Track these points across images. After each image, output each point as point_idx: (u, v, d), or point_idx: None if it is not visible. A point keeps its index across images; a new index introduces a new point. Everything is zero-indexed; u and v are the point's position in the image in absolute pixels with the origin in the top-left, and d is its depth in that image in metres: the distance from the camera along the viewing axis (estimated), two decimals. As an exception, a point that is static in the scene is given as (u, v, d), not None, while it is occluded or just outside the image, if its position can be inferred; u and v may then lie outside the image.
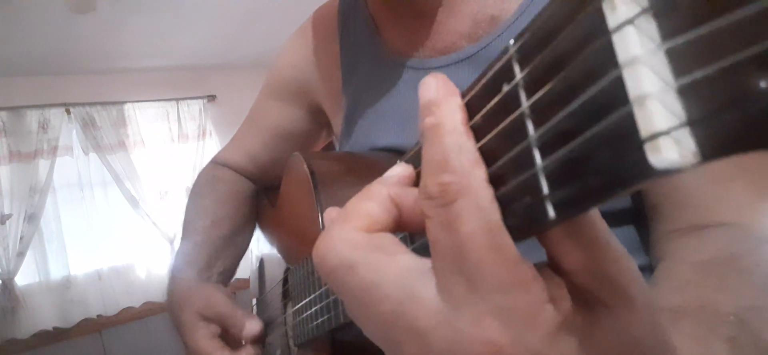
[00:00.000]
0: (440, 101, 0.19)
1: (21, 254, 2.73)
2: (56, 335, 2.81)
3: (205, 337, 0.58)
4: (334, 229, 0.21)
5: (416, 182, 0.22)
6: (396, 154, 0.54)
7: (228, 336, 0.60)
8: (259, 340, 0.60)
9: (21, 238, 2.72)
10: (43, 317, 2.78)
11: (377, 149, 0.56)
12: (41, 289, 2.80)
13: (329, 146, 0.85)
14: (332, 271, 0.20)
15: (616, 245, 0.18)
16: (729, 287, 0.31)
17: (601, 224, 0.18)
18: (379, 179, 0.23)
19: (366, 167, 0.55)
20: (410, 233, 0.22)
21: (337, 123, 0.65)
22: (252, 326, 0.59)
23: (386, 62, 0.56)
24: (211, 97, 3.42)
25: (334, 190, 0.51)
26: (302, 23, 0.72)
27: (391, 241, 0.20)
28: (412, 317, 0.18)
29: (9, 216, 2.72)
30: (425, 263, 0.19)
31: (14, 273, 2.71)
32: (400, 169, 0.23)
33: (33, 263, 2.80)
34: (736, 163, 0.35)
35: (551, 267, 0.19)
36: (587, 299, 0.18)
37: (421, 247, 0.21)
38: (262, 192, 0.79)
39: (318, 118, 0.71)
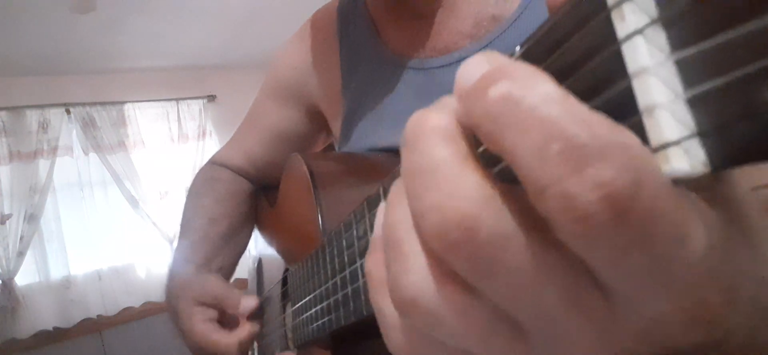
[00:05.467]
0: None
1: (21, 254, 2.73)
2: (56, 335, 2.81)
3: (201, 321, 0.59)
4: None
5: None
6: (396, 154, 0.54)
7: (226, 320, 0.61)
8: (256, 317, 0.61)
9: (21, 238, 2.72)
10: (43, 317, 2.78)
11: (376, 150, 0.56)
12: (41, 289, 2.80)
13: (329, 148, 0.85)
14: None
15: None
16: None
17: None
18: None
19: (365, 168, 0.55)
20: None
21: (336, 125, 0.65)
22: (247, 303, 0.59)
23: (386, 63, 0.56)
24: (211, 97, 3.42)
25: (334, 190, 0.51)
26: (302, 24, 0.72)
27: None
28: None
29: (9, 216, 2.72)
30: None
31: (14, 273, 2.71)
32: None
33: (33, 263, 2.81)
34: None
35: None
36: None
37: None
38: (261, 192, 0.79)
39: (316, 120, 0.71)
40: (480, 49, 0.48)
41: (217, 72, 3.47)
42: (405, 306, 0.16)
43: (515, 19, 0.47)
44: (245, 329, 0.59)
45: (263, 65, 3.31)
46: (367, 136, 0.57)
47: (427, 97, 0.51)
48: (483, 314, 0.15)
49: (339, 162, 0.56)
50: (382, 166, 0.55)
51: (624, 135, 0.12)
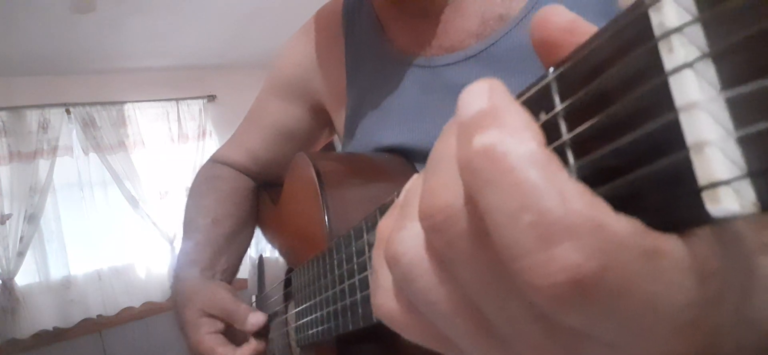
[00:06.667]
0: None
1: (21, 254, 2.72)
2: (56, 335, 2.80)
3: (208, 333, 0.58)
4: None
5: None
6: (401, 154, 0.54)
7: (232, 332, 0.60)
8: (263, 334, 0.60)
9: (21, 238, 2.71)
10: (43, 317, 2.77)
11: (381, 148, 0.55)
12: (41, 289, 2.80)
13: (329, 146, 0.84)
14: None
15: None
16: None
17: None
18: None
19: (372, 169, 0.55)
20: None
21: (340, 122, 0.65)
22: (256, 320, 0.58)
23: (392, 61, 0.56)
24: (211, 97, 3.42)
25: (340, 191, 0.51)
26: (305, 22, 0.71)
27: None
28: None
29: (9, 216, 2.71)
30: None
31: (14, 273, 2.70)
32: None
33: (33, 263, 2.80)
34: None
35: None
36: None
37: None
38: (263, 188, 0.79)
39: (320, 118, 0.71)
40: (486, 48, 0.49)
41: (217, 72, 3.46)
42: (390, 257, 0.18)
43: (522, 18, 0.47)
44: (251, 347, 0.58)
45: (263, 65, 3.31)
46: (372, 133, 0.57)
47: (432, 95, 0.51)
48: (452, 291, 0.16)
49: (346, 163, 0.56)
50: (389, 168, 0.54)
51: (599, 211, 0.12)
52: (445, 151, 0.16)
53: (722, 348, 0.16)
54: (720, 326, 0.15)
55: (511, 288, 0.14)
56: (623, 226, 0.12)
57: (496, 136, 0.13)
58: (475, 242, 0.15)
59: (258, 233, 0.78)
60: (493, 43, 0.48)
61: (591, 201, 0.12)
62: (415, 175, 0.21)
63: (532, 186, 0.12)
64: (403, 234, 0.18)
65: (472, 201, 0.14)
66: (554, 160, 0.13)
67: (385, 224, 0.21)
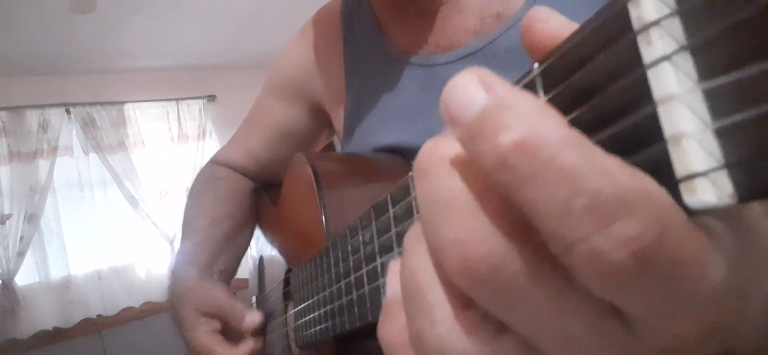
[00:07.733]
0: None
1: (21, 254, 2.72)
2: (56, 335, 2.80)
3: (205, 332, 0.58)
4: None
5: None
6: (399, 154, 0.54)
7: (229, 331, 0.60)
8: (260, 332, 0.61)
9: (21, 238, 2.72)
10: (43, 317, 2.77)
11: (380, 148, 0.56)
12: (41, 289, 2.80)
13: (329, 146, 0.85)
14: None
15: None
16: None
17: None
18: None
19: (369, 169, 0.56)
20: None
21: (339, 122, 0.65)
22: (252, 318, 0.59)
23: (390, 60, 0.56)
24: (211, 97, 3.42)
25: (338, 192, 0.51)
26: (304, 23, 0.72)
27: None
28: None
29: (9, 216, 2.71)
30: None
31: (14, 273, 2.71)
32: None
33: (33, 263, 2.80)
34: None
35: None
36: None
37: None
38: (262, 189, 0.79)
39: (320, 118, 0.71)
40: (484, 47, 0.48)
41: (217, 72, 3.46)
42: None
43: (520, 17, 0.47)
44: (248, 345, 0.58)
45: (263, 65, 3.31)
46: (371, 133, 0.57)
47: (431, 94, 0.51)
48: (513, 353, 0.15)
49: (343, 163, 0.56)
50: (387, 168, 0.55)
51: (644, 181, 0.12)
52: (446, 192, 0.14)
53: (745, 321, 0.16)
54: (747, 294, 0.15)
55: (574, 301, 0.13)
56: (665, 193, 0.12)
57: (524, 128, 0.12)
58: (528, 268, 0.13)
59: (258, 233, 0.79)
60: (491, 42, 0.48)
61: (633, 172, 0.12)
62: (395, 266, 0.19)
63: (578, 170, 0.12)
64: (436, 330, 0.15)
65: (509, 225, 0.13)
66: (585, 138, 0.12)
67: (391, 332, 0.18)
